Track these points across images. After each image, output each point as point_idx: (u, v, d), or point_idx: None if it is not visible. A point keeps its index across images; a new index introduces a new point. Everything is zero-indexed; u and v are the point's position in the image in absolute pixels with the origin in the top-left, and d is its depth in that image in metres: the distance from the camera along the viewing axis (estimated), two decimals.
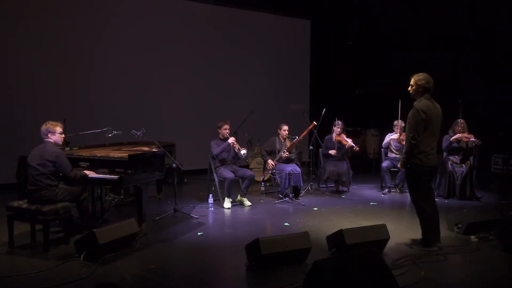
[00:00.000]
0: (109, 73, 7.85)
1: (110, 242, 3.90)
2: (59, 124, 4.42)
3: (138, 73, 8.12)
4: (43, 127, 4.34)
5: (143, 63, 8.17)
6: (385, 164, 6.93)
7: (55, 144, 4.34)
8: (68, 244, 4.23)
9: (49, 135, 4.31)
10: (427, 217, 4.21)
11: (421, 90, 4.14)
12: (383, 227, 4.17)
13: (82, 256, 3.80)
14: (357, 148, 6.74)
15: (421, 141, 4.07)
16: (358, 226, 4.31)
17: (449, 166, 6.40)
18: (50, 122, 4.40)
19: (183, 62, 8.61)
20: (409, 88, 4.24)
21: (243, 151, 6.07)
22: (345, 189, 7.06)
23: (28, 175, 4.27)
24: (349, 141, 6.76)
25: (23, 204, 4.22)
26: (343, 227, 4.03)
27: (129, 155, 4.59)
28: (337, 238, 3.98)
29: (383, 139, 7.23)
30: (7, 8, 6.95)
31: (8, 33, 6.96)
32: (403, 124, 6.84)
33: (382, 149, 7.22)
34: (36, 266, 3.73)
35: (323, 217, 5.50)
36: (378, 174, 7.30)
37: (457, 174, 6.37)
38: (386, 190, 6.89)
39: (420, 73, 4.19)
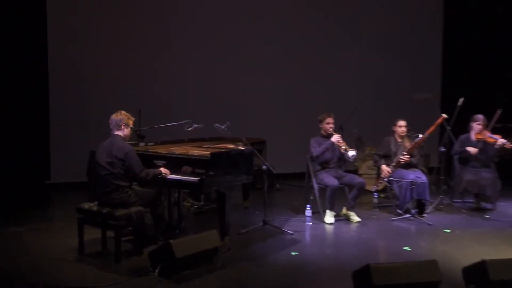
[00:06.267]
0: (187, 58, 8.31)
1: (188, 256, 4.11)
2: (132, 117, 4.74)
3: (222, 59, 8.46)
4: (116, 117, 4.63)
5: (227, 48, 8.49)
6: None
7: (125, 139, 4.65)
8: (141, 255, 4.54)
9: (122, 127, 4.62)
10: None
11: None
12: None
13: (156, 271, 4.05)
14: (510, 145, 6.28)
15: None
16: (507, 257, 4.06)
17: None
18: (124, 112, 4.69)
19: (274, 45, 8.73)
20: None
21: (351, 153, 5.97)
22: (489, 206, 6.71)
23: (97, 175, 4.61)
24: (498, 138, 6.37)
25: (94, 206, 4.62)
26: (486, 257, 3.86)
27: (211, 153, 4.78)
28: (477, 271, 3.82)
29: None
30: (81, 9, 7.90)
31: (75, 29, 7.87)
32: None
33: None
34: (107, 278, 4.09)
35: (458, 242, 5.33)
36: None
37: None
38: None
39: None
